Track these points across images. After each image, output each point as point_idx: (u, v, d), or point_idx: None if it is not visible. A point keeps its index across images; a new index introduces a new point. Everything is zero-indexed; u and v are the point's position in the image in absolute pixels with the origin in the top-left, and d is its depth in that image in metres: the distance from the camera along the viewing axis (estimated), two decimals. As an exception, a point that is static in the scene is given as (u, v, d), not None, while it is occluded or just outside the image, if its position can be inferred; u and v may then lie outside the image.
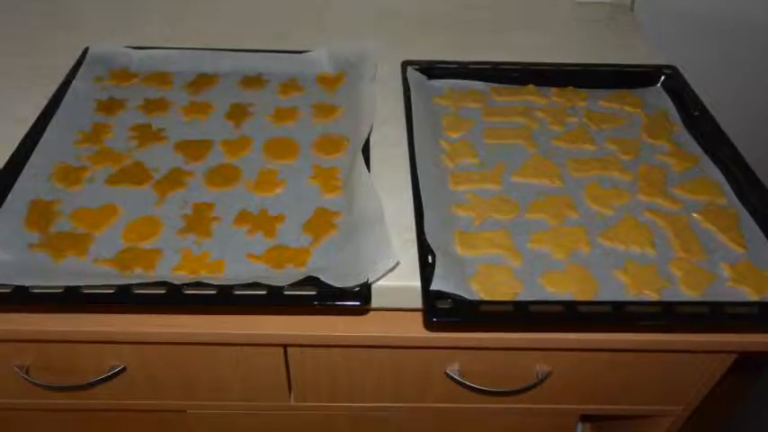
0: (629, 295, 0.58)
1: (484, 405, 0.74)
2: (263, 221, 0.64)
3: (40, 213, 0.63)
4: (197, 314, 0.62)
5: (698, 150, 0.74)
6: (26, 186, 0.65)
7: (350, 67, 0.84)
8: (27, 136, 0.70)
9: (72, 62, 0.82)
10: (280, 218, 0.64)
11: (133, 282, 0.55)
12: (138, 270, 0.58)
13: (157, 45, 0.85)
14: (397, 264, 0.58)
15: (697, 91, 0.81)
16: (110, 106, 0.77)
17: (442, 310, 0.54)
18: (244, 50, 0.85)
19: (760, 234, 0.64)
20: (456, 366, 0.69)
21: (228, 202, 0.66)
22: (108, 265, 0.59)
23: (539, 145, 0.74)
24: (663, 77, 0.84)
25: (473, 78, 0.83)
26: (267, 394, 0.73)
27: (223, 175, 0.69)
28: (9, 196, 0.64)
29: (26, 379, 0.68)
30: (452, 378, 0.68)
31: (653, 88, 0.84)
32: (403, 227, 0.63)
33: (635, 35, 0.96)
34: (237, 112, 0.77)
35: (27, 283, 0.55)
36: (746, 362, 0.72)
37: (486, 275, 0.59)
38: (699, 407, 0.77)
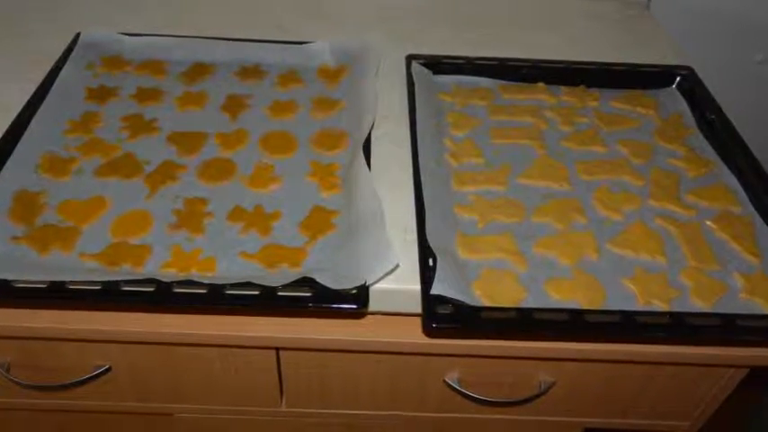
0: (638, 305, 0.58)
1: (483, 416, 0.74)
2: (258, 219, 0.63)
3: (26, 205, 0.63)
4: (186, 313, 0.62)
5: (713, 155, 0.74)
6: (11, 176, 0.65)
7: (352, 60, 0.84)
8: (13, 124, 0.70)
9: (62, 47, 0.81)
10: (275, 215, 0.64)
11: (121, 278, 0.55)
12: (126, 266, 0.58)
13: (152, 32, 0.85)
14: (397, 266, 0.58)
15: (713, 93, 0.81)
16: (101, 95, 0.77)
17: (442, 315, 0.54)
18: (242, 40, 0.85)
19: (776, 244, 0.64)
20: (455, 374, 0.69)
21: (222, 197, 0.66)
22: (95, 261, 0.59)
23: (547, 146, 0.74)
24: (678, 78, 0.84)
25: (480, 75, 0.83)
26: (257, 399, 0.73)
27: (217, 170, 0.69)
28: (-7, 186, 0.64)
29: (6, 377, 0.67)
30: (451, 387, 0.68)
31: (668, 89, 0.84)
32: (403, 228, 0.63)
33: (650, 34, 0.96)
34: (234, 104, 0.77)
35: (10, 277, 0.55)
36: (758, 377, 0.72)
37: (488, 280, 0.58)
38: (707, 422, 0.76)
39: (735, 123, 0.76)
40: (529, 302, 0.57)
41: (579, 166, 0.72)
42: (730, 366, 0.67)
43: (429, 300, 0.55)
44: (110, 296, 0.55)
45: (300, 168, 0.69)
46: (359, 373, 0.69)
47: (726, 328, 0.56)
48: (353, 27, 0.92)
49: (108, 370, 0.68)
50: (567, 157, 0.73)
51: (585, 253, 0.62)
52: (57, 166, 0.68)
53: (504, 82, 0.83)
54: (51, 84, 0.75)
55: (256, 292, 0.55)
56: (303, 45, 0.85)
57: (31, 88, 0.75)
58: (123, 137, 0.72)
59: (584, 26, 0.97)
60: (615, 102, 0.81)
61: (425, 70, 0.82)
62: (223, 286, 0.55)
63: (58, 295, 0.55)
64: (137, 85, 0.79)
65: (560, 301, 0.58)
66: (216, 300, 0.55)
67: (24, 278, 0.55)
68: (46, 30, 0.87)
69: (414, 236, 0.61)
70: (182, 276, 0.57)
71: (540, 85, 0.83)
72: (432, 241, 0.59)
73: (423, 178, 0.65)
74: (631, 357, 0.63)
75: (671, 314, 0.57)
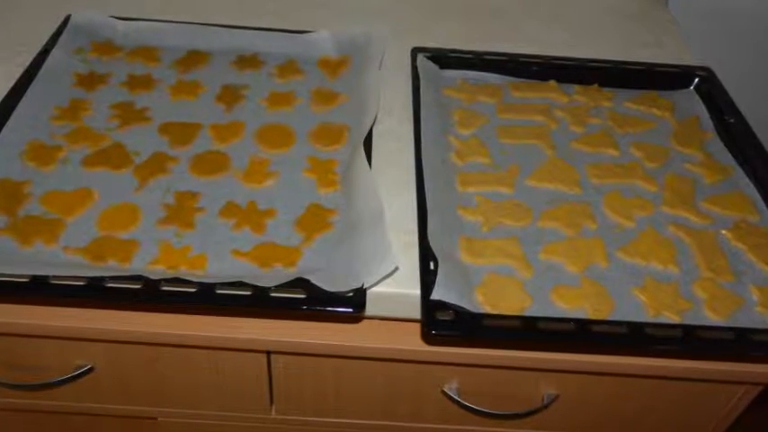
0: (648, 316, 0.58)
1: (482, 428, 0.74)
2: (252, 215, 0.64)
3: (8, 194, 0.63)
4: (174, 313, 0.62)
5: (731, 161, 0.74)
6: (-6, 164, 0.65)
7: (354, 52, 0.84)
8: (-2, 109, 0.70)
9: (51, 30, 0.81)
10: (270, 212, 0.64)
11: (106, 274, 0.55)
12: (112, 262, 0.58)
13: (146, 17, 0.85)
14: (396, 269, 0.58)
15: (733, 96, 0.81)
16: (90, 81, 0.77)
17: (442, 321, 0.54)
18: (240, 27, 0.85)
19: (794, 256, 0.64)
20: (454, 384, 0.69)
21: (215, 192, 0.66)
22: (79, 255, 0.59)
23: (557, 147, 0.74)
24: (696, 80, 0.84)
25: (489, 70, 0.83)
26: (246, 404, 0.73)
27: (210, 163, 0.69)
28: (-25, 174, 0.64)
29: (-17, 374, 0.68)
30: (449, 397, 0.68)
31: (685, 91, 0.84)
32: (404, 229, 0.63)
33: (668, 32, 0.96)
34: (229, 95, 0.77)
35: (-11, 270, 0.55)
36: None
37: (492, 287, 0.59)
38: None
39: (755, 128, 0.76)
40: (533, 311, 0.57)
41: (590, 170, 0.72)
42: (743, 383, 0.67)
43: (429, 305, 0.55)
44: (94, 292, 0.55)
45: (297, 164, 0.69)
46: (353, 380, 0.69)
47: (740, 343, 0.56)
48: (357, 17, 0.92)
49: (90, 370, 0.68)
50: (578, 160, 0.73)
51: (594, 260, 0.62)
52: (42, 154, 0.68)
53: (513, 79, 0.83)
54: (39, 68, 0.75)
55: (248, 293, 0.55)
56: (304, 34, 0.85)
57: (17, 72, 0.75)
58: (113, 126, 0.72)
59: (599, 21, 0.97)
60: (630, 102, 0.81)
61: (431, 64, 0.82)
62: (213, 285, 0.55)
63: (39, 290, 0.55)
64: (128, 71, 0.79)
65: (566, 311, 0.58)
66: (205, 299, 0.55)
67: (5, 271, 0.55)
68: (34, 11, 0.87)
69: (414, 238, 0.61)
70: (170, 274, 0.57)
71: (552, 83, 0.83)
72: (433, 244, 0.59)
73: (426, 177, 0.65)
74: (640, 371, 0.63)
75: (682, 327, 0.57)
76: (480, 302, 0.57)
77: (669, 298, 0.59)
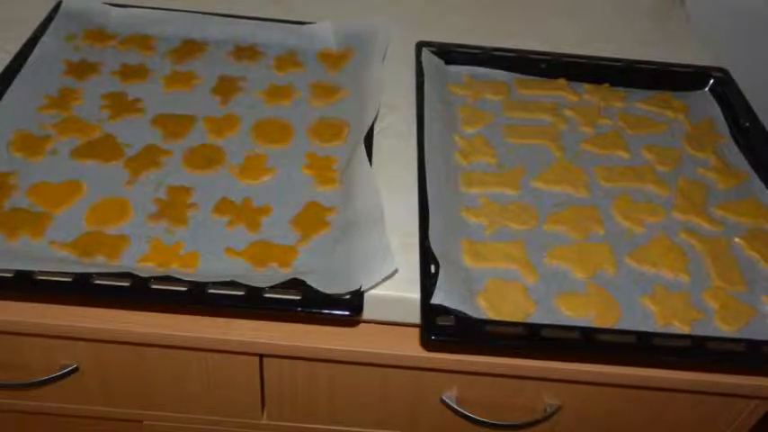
0: (656, 326, 0.58)
1: (482, 439, 0.74)
2: (247, 212, 0.64)
3: (-6, 185, 0.63)
4: (164, 312, 0.62)
5: (745, 166, 0.75)
6: (-20, 154, 0.65)
7: (356, 45, 0.84)
8: (-15, 97, 0.70)
9: (42, 16, 0.82)
10: (265, 210, 0.64)
11: (93, 270, 0.55)
12: (101, 258, 0.58)
13: (140, 4, 0.85)
14: (395, 271, 0.58)
15: (749, 99, 0.81)
16: (81, 69, 0.77)
17: (442, 327, 0.54)
18: (238, 17, 0.85)
19: (810, 266, 0.64)
20: (453, 392, 0.69)
21: (208, 187, 0.66)
22: (66, 250, 0.59)
23: (565, 148, 0.75)
24: (712, 81, 0.84)
25: (496, 67, 0.83)
26: (236, 409, 0.73)
27: (205, 157, 0.69)
28: (-41, 163, 0.64)
29: (-36, 372, 0.68)
30: (448, 405, 0.68)
31: (700, 92, 0.84)
32: (404, 230, 0.63)
33: (684, 31, 0.96)
34: (226, 87, 0.77)
35: (-28, 264, 0.55)
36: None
37: (495, 292, 0.59)
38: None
39: (771, 132, 0.77)
40: (537, 317, 0.57)
41: (599, 172, 0.72)
42: (754, 398, 0.67)
43: (429, 310, 0.55)
44: (81, 289, 0.55)
45: (295, 160, 0.70)
46: (349, 385, 0.69)
47: (751, 356, 0.56)
48: (360, 8, 0.92)
49: (75, 370, 0.68)
50: (587, 162, 0.73)
51: (602, 266, 0.62)
52: (30, 144, 0.68)
53: (521, 76, 0.83)
54: (28, 56, 0.75)
55: (241, 293, 0.55)
56: (304, 25, 0.85)
57: (6, 59, 0.75)
58: (104, 116, 0.72)
59: (612, 17, 0.97)
60: (642, 103, 0.82)
61: (436, 59, 0.82)
62: (205, 284, 0.55)
63: (24, 286, 0.55)
64: (121, 61, 0.79)
65: (572, 318, 0.58)
66: (197, 299, 0.55)
67: (-12, 265, 0.55)
68: (25, -4, 0.88)
69: (415, 239, 0.61)
70: (160, 272, 0.57)
71: (561, 81, 0.83)
72: (434, 246, 0.59)
73: (428, 177, 0.65)
74: (646, 383, 0.63)
75: (692, 337, 0.57)
76: (482, 308, 0.57)
77: (679, 307, 0.59)
